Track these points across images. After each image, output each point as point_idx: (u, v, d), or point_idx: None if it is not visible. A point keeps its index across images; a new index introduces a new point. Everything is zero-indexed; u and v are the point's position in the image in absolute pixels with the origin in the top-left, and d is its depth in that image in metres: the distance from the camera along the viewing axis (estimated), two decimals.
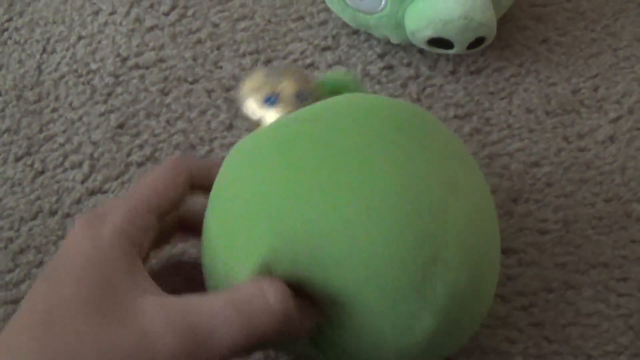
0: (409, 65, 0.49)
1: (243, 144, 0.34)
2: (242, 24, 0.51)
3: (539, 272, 0.41)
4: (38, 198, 0.44)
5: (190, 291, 0.37)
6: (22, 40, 0.51)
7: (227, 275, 0.31)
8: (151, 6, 0.52)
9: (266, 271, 0.30)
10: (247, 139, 0.34)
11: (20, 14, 0.53)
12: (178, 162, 0.34)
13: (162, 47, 0.50)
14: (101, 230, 0.30)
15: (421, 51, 0.49)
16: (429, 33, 0.44)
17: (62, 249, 0.31)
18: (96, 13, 0.52)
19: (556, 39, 0.50)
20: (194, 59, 0.50)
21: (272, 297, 0.29)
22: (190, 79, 0.49)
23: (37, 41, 0.51)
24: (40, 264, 0.42)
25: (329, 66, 0.49)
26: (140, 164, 0.45)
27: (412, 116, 0.33)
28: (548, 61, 0.49)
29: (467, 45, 0.45)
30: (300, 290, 0.30)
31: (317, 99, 0.35)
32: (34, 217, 0.44)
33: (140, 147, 0.46)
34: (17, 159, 0.46)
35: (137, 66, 0.49)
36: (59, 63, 0.50)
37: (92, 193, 0.44)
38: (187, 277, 0.37)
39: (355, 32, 0.51)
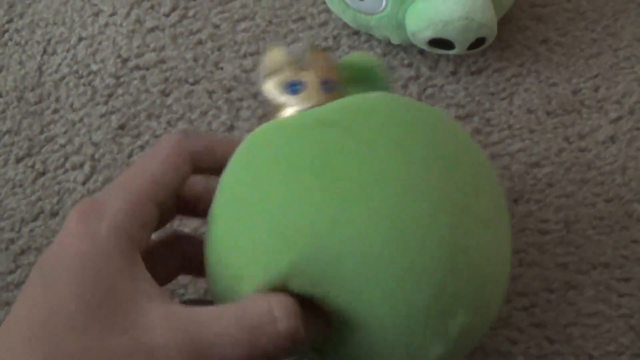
0: (409, 65, 0.49)
1: (262, 137, 0.32)
2: (243, 25, 0.51)
3: (540, 273, 0.41)
4: (39, 199, 0.44)
5: (186, 273, 0.37)
6: (22, 42, 0.51)
7: (235, 284, 0.30)
8: (152, 7, 0.52)
9: (281, 286, 0.29)
10: (266, 132, 0.32)
11: (21, 16, 0.53)
12: (179, 143, 0.33)
13: (162, 48, 0.50)
14: (99, 227, 0.29)
15: (422, 52, 0.49)
16: (429, 34, 0.44)
17: (58, 244, 0.30)
18: (97, 14, 0.52)
19: (556, 39, 0.50)
20: (195, 60, 0.50)
21: (281, 320, 0.28)
22: (191, 80, 0.49)
23: (38, 42, 0.51)
24: None
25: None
26: None
27: (448, 136, 0.32)
28: (548, 61, 0.49)
29: (467, 45, 0.45)
30: (310, 302, 0.30)
31: (341, 85, 0.34)
32: (35, 219, 0.44)
33: (142, 148, 0.46)
34: (18, 160, 0.46)
35: (137, 67, 0.49)
36: (59, 64, 0.50)
37: (93, 194, 0.44)
38: (183, 256, 0.35)
39: (356, 32, 0.51)
